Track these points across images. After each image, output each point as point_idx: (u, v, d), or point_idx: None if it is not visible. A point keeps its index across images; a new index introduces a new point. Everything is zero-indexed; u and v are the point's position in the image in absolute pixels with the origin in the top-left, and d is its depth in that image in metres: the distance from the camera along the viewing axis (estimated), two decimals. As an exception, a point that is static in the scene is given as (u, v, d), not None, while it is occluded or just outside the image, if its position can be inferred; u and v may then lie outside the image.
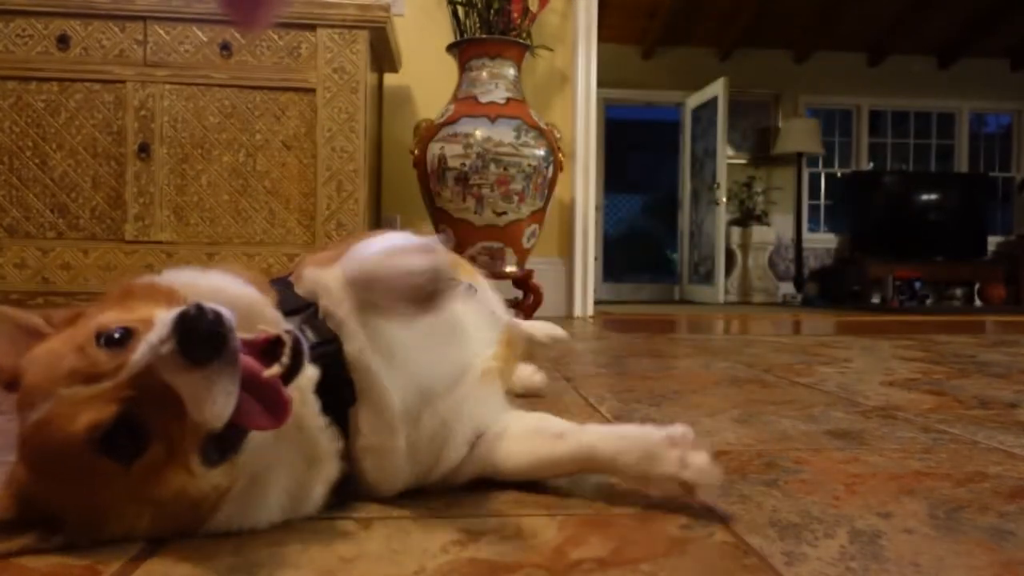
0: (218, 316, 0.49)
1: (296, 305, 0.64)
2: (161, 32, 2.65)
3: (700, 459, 0.62)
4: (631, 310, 5.10)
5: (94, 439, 0.50)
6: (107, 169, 2.65)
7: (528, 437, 0.70)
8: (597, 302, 4.14)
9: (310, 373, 0.58)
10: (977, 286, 7.03)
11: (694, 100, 7.32)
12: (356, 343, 0.62)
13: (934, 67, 7.78)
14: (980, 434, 0.99)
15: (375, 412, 0.63)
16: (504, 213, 2.94)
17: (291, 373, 0.53)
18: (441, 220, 3.03)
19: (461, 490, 0.70)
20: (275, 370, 0.52)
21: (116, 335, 0.52)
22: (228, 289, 0.61)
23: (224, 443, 0.53)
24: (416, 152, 3.01)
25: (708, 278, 7.04)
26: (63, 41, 2.62)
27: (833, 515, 0.64)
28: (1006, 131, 8.14)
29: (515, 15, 3.05)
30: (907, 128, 8.04)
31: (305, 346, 0.54)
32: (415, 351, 0.66)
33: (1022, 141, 8.02)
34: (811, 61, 7.62)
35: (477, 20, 3.09)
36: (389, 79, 3.48)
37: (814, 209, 7.90)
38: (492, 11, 3.05)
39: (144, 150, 2.65)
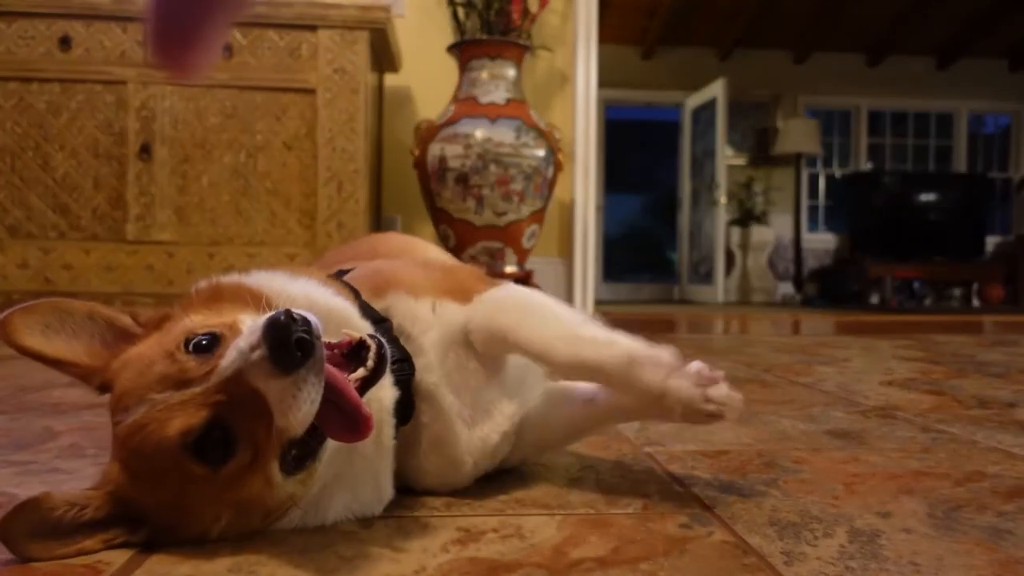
0: (307, 323, 0.50)
1: (372, 317, 0.64)
2: (161, 33, 2.65)
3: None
4: (631, 310, 5.10)
5: (186, 443, 0.51)
6: (108, 169, 2.66)
7: (563, 408, 0.73)
8: (597, 302, 4.15)
9: (391, 393, 0.60)
10: (976, 286, 7.03)
11: (694, 100, 7.33)
12: (433, 376, 0.64)
13: (933, 68, 7.78)
14: (979, 434, 1.00)
15: (441, 449, 0.66)
16: (504, 213, 2.95)
17: (373, 378, 0.54)
18: (441, 220, 3.03)
19: (461, 490, 0.70)
20: (360, 373, 0.54)
21: (204, 341, 0.53)
22: (317, 296, 0.61)
23: (304, 451, 0.54)
24: (416, 152, 3.02)
25: (708, 278, 7.05)
26: (65, 42, 2.62)
27: (832, 514, 0.65)
28: (1004, 132, 8.14)
29: (515, 16, 3.06)
30: (906, 128, 8.05)
31: (388, 353, 0.55)
32: (480, 392, 0.68)
33: (1021, 141, 8.02)
34: (810, 62, 7.62)
35: (477, 21, 3.09)
36: (389, 79, 3.49)
37: (813, 209, 7.90)
38: (492, 12, 3.05)
39: (145, 150, 2.65)
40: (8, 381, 1.36)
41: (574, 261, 3.67)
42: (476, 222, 2.95)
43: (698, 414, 0.63)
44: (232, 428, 0.51)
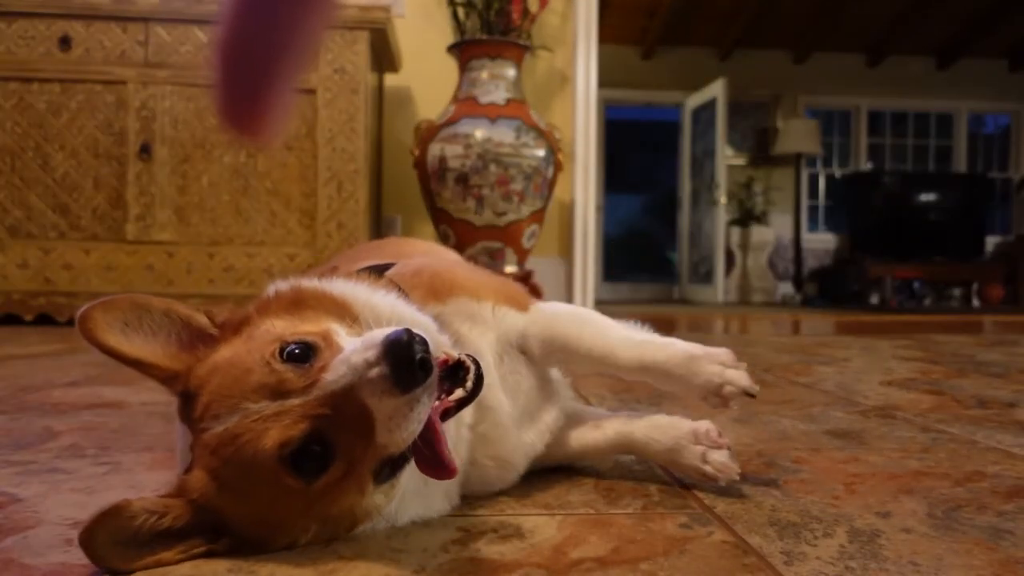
0: (425, 344, 0.50)
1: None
2: (162, 33, 2.66)
3: (720, 456, 0.70)
4: (631, 310, 5.10)
5: (283, 456, 0.50)
6: (108, 169, 2.66)
7: (575, 427, 0.76)
8: (597, 302, 4.14)
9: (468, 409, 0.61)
10: (976, 286, 7.03)
11: (694, 100, 7.33)
12: (489, 378, 0.64)
13: (933, 68, 7.78)
14: (979, 434, 1.00)
15: (493, 451, 0.67)
16: (504, 213, 2.95)
17: (469, 399, 0.55)
18: (441, 220, 3.03)
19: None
20: (458, 394, 0.54)
21: (297, 350, 0.53)
22: (403, 311, 0.61)
23: (395, 466, 0.55)
24: (416, 152, 3.02)
25: (707, 278, 7.04)
26: (65, 42, 2.62)
27: (832, 514, 0.65)
28: (1004, 132, 8.14)
29: (515, 16, 3.06)
30: (906, 128, 8.04)
31: (483, 375, 0.56)
32: (529, 397, 0.71)
33: (1020, 142, 8.02)
34: (810, 62, 7.62)
35: (477, 21, 3.09)
36: (389, 79, 3.49)
37: (813, 209, 7.90)
38: (492, 12, 3.05)
39: (145, 150, 2.65)
40: (8, 381, 1.36)
41: (574, 261, 3.67)
42: (476, 222, 2.95)
43: (742, 399, 0.70)
44: (331, 442, 0.51)
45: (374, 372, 0.49)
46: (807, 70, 7.66)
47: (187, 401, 0.55)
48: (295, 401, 0.51)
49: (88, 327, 0.56)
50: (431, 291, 0.68)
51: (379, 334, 0.50)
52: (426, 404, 0.50)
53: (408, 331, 0.50)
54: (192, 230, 2.68)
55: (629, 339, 0.71)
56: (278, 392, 0.51)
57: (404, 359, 0.48)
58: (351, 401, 0.50)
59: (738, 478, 0.69)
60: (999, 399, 1.29)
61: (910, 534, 0.60)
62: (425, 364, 0.49)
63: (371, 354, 0.49)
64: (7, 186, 2.62)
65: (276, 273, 2.69)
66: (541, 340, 0.70)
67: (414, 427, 0.50)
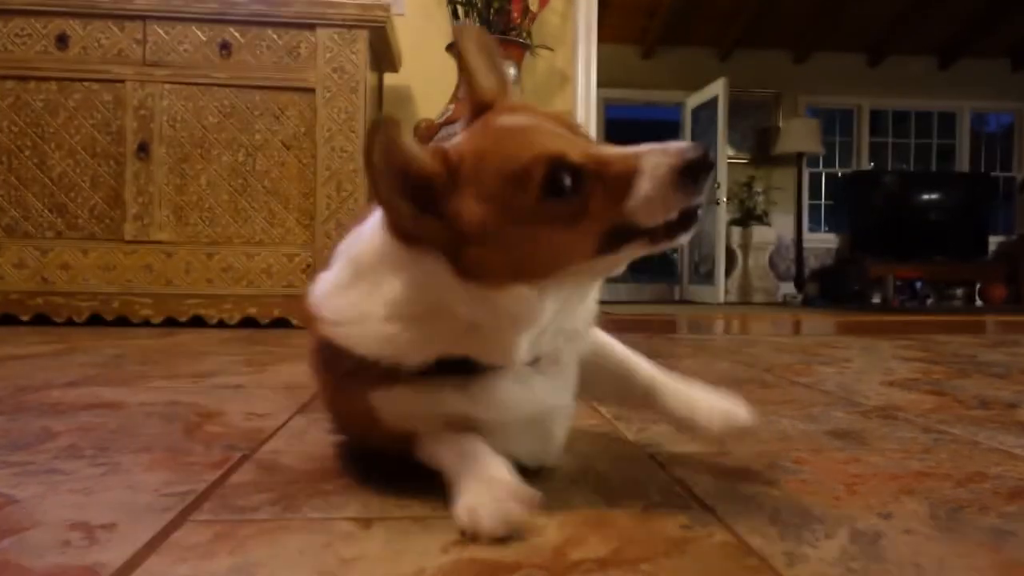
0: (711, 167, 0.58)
1: None
2: (160, 31, 2.65)
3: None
4: (631, 310, 5.10)
5: (555, 163, 0.58)
6: (106, 169, 2.65)
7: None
8: (597, 302, 4.14)
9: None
10: (978, 286, 7.03)
11: (694, 100, 7.32)
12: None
13: (934, 67, 7.78)
14: (980, 434, 0.99)
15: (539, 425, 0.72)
16: (504, 213, 2.94)
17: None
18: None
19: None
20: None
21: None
22: None
23: (621, 239, 0.61)
24: (416, 152, 3.01)
25: (708, 278, 7.04)
26: (62, 40, 2.62)
27: (834, 515, 0.64)
28: (1007, 131, 8.13)
29: (515, 15, 3.05)
30: (908, 128, 8.04)
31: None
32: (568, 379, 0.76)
33: (1023, 141, 8.01)
34: (811, 61, 7.61)
35: (477, 20, 3.09)
36: (389, 79, 3.48)
37: (814, 209, 7.90)
38: (492, 11, 3.05)
39: (143, 150, 2.65)
40: (6, 381, 1.35)
41: (574, 260, 3.66)
42: (476, 221, 2.95)
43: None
44: (588, 186, 0.58)
45: (672, 159, 0.57)
46: (808, 70, 7.65)
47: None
48: (587, 143, 0.61)
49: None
50: None
51: (685, 144, 0.58)
52: (683, 204, 0.59)
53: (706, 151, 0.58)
54: (190, 230, 2.67)
55: (645, 362, 0.81)
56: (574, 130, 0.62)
57: (701, 164, 0.57)
58: (628, 166, 0.58)
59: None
60: (1001, 400, 1.29)
61: (912, 535, 0.60)
62: (705, 175, 0.58)
63: (673, 152, 0.57)
64: (4, 185, 2.62)
65: (275, 273, 2.69)
66: (595, 340, 0.79)
67: (662, 213, 0.59)
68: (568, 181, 0.58)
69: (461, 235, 0.59)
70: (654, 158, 0.58)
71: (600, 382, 0.79)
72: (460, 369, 0.65)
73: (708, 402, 0.76)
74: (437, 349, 0.64)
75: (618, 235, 0.60)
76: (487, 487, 0.60)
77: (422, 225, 0.60)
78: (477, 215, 0.59)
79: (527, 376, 0.67)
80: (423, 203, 0.60)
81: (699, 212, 0.61)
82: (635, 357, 0.81)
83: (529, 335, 0.63)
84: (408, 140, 0.58)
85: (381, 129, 0.57)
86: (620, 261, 0.63)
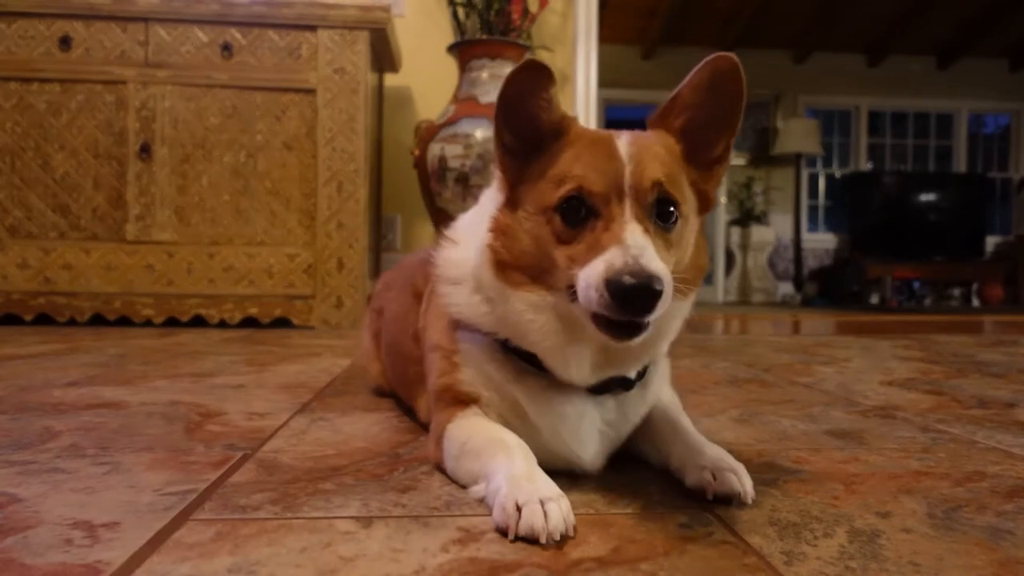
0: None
1: None
2: (162, 33, 2.66)
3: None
4: (631, 310, 5.09)
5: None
6: (108, 169, 2.66)
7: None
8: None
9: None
10: (975, 286, 7.03)
11: (694, 100, 7.31)
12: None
13: (933, 68, 7.78)
14: (979, 433, 1.00)
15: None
16: (504, 213, 2.94)
17: None
18: (441, 220, 3.03)
19: (461, 490, 0.70)
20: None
21: None
22: None
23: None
24: (416, 152, 3.01)
25: (707, 278, 7.04)
26: (65, 42, 2.62)
27: (832, 514, 0.65)
28: (1004, 132, 8.13)
29: (515, 16, 3.06)
30: (906, 128, 8.04)
31: None
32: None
33: (1021, 141, 8.02)
34: (811, 61, 7.62)
35: (477, 21, 3.09)
36: (389, 79, 3.49)
37: (813, 209, 7.90)
38: (492, 12, 3.05)
39: (145, 150, 2.65)
40: (8, 381, 1.36)
41: (574, 261, 3.66)
42: (476, 222, 2.95)
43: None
44: (591, 224, 0.66)
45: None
46: (807, 70, 7.66)
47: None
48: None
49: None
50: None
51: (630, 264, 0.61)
52: (609, 312, 0.62)
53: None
54: (192, 230, 2.68)
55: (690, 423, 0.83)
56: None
57: (627, 293, 0.60)
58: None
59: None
60: (999, 399, 1.29)
61: (910, 534, 0.60)
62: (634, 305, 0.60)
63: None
64: (7, 186, 2.62)
65: (276, 273, 2.69)
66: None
67: (598, 309, 0.62)
68: (578, 205, 0.66)
69: (523, 194, 0.70)
70: (609, 256, 0.62)
71: (653, 446, 0.80)
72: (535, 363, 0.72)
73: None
74: (499, 328, 0.73)
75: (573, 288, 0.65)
76: (534, 488, 0.60)
77: (511, 164, 0.71)
78: (535, 191, 0.69)
79: (581, 400, 0.73)
80: (530, 147, 0.71)
81: (639, 329, 0.63)
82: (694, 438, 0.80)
83: (577, 356, 0.69)
84: (549, 89, 0.67)
85: (529, 71, 0.66)
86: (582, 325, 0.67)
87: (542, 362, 0.71)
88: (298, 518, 0.62)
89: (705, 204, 0.75)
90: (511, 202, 0.72)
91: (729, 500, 0.67)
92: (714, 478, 0.67)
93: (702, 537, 0.59)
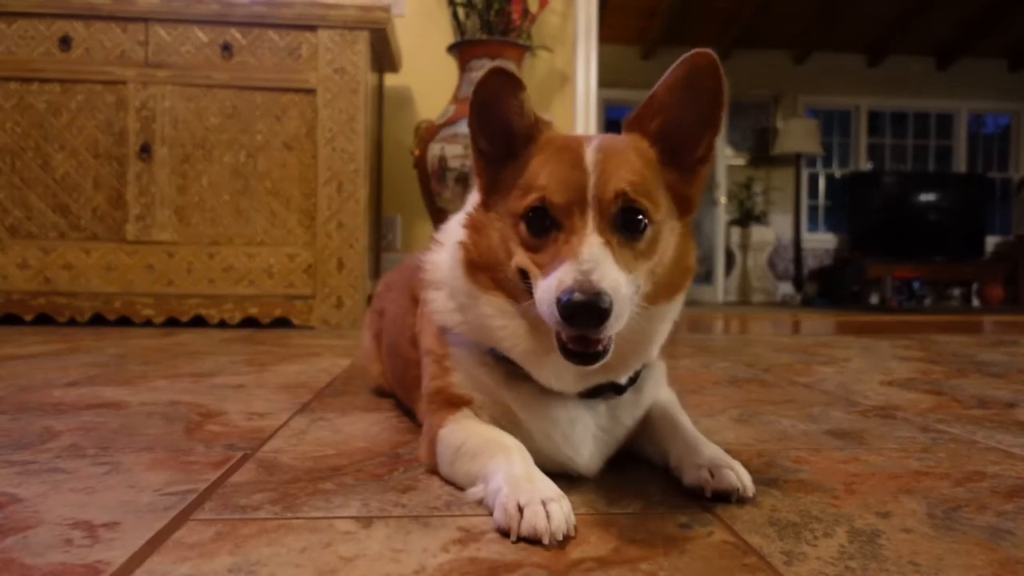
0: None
1: None
2: (162, 33, 2.66)
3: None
4: (631, 310, 5.09)
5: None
6: (108, 169, 2.66)
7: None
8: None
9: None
10: (975, 286, 7.03)
11: (694, 100, 7.31)
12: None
13: (933, 68, 7.78)
14: (979, 433, 1.00)
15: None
16: (504, 213, 2.94)
17: None
18: (441, 220, 3.02)
19: (461, 490, 0.70)
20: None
21: None
22: None
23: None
24: (416, 152, 3.01)
25: (707, 278, 7.05)
26: (65, 42, 2.62)
27: (832, 514, 0.65)
28: (1004, 132, 8.14)
29: (515, 16, 3.06)
30: (906, 128, 8.04)
31: None
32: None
33: (1020, 142, 8.02)
34: (810, 61, 7.62)
35: (477, 21, 3.09)
36: (389, 79, 3.49)
37: (813, 209, 7.90)
38: (492, 12, 3.05)
39: (145, 150, 2.65)
40: (8, 381, 1.36)
41: (574, 261, 3.66)
42: (476, 222, 2.95)
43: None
44: (554, 233, 0.67)
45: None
46: (807, 70, 7.66)
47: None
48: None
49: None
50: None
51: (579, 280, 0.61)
52: (560, 329, 0.63)
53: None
54: (192, 230, 2.68)
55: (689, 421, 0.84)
56: None
57: (572, 310, 0.60)
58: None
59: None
60: (999, 399, 1.29)
61: (910, 534, 0.60)
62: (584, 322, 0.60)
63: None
64: (7, 186, 2.62)
65: (276, 273, 2.69)
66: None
67: (553, 325, 0.63)
68: (541, 215, 0.67)
69: (496, 197, 0.71)
70: (561, 272, 0.62)
71: (653, 445, 0.80)
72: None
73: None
74: (474, 334, 0.74)
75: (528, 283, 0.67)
76: (535, 488, 0.61)
77: (485, 161, 0.72)
78: (530, 176, 0.69)
79: (573, 405, 0.73)
80: (503, 152, 0.72)
81: (596, 355, 0.63)
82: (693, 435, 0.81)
83: (554, 364, 0.68)
84: (518, 95, 0.69)
85: (497, 77, 0.67)
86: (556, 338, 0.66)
87: (522, 368, 0.71)
88: (298, 518, 0.62)
89: (686, 207, 0.73)
90: (485, 204, 0.73)
91: (728, 497, 0.67)
92: (712, 476, 0.68)
93: (702, 537, 0.59)
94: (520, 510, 0.58)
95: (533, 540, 0.56)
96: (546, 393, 0.72)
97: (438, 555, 0.55)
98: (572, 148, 0.68)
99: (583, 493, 0.70)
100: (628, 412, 0.77)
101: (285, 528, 0.60)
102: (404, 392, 1.04)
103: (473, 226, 0.73)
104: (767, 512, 0.65)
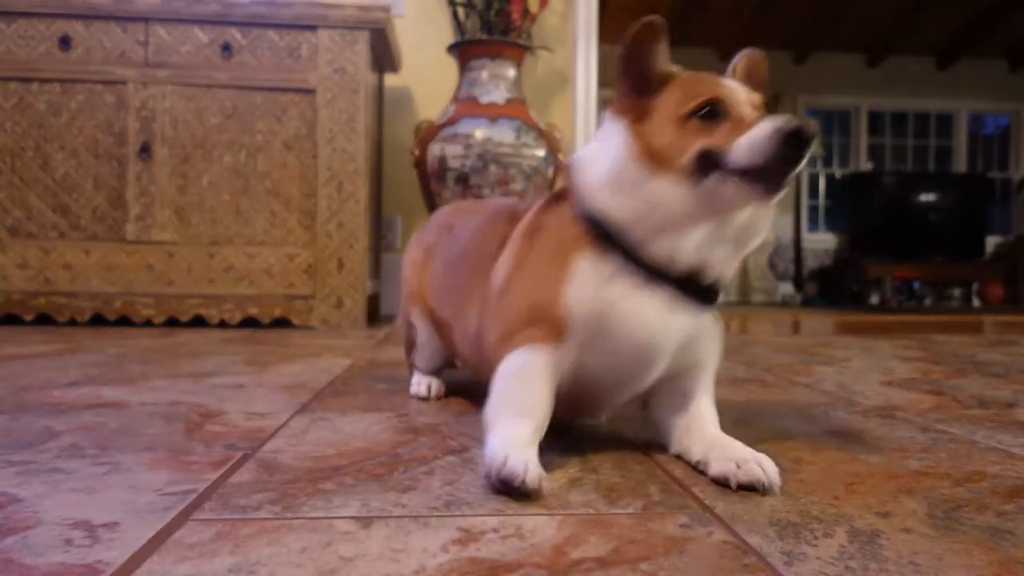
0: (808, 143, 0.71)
1: None
2: (162, 33, 2.66)
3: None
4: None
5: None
6: (108, 169, 2.66)
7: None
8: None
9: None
10: (976, 286, 7.04)
11: (694, 100, 7.31)
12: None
13: (933, 68, 7.78)
14: (979, 433, 1.00)
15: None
16: (504, 213, 2.94)
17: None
18: (441, 220, 3.03)
19: (461, 490, 0.70)
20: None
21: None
22: None
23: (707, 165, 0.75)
24: (416, 152, 3.01)
25: (708, 278, 7.04)
26: (65, 42, 2.62)
27: (832, 514, 0.65)
28: (1004, 132, 8.14)
29: (515, 16, 3.06)
30: (906, 129, 8.05)
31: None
32: None
33: (1020, 142, 8.02)
34: (810, 61, 7.62)
35: (477, 21, 3.09)
36: (389, 79, 3.49)
37: (813, 209, 7.90)
38: (492, 12, 3.05)
39: (145, 150, 2.65)
40: (8, 381, 1.36)
41: (574, 261, 3.66)
42: (476, 222, 2.95)
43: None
44: (722, 120, 0.75)
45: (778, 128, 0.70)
46: (807, 70, 7.66)
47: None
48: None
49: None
50: None
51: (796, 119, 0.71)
52: (774, 159, 0.71)
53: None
54: (192, 230, 2.68)
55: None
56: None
57: (802, 139, 0.70)
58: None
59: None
60: (999, 399, 1.29)
61: (910, 534, 0.60)
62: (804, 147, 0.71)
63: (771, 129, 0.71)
64: (7, 186, 2.63)
65: (276, 273, 2.69)
66: None
67: (759, 158, 0.71)
68: (712, 111, 0.75)
69: (648, 116, 0.78)
70: (770, 120, 0.72)
71: (665, 401, 0.86)
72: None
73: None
74: (633, 217, 0.77)
75: (709, 160, 0.73)
76: (524, 439, 0.72)
77: (631, 100, 0.79)
78: (663, 108, 0.77)
79: (668, 306, 0.77)
80: (643, 91, 0.79)
81: (785, 179, 0.73)
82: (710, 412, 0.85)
83: (680, 237, 0.75)
84: (660, 45, 0.78)
85: (645, 29, 0.76)
86: (717, 197, 0.74)
87: (651, 248, 0.76)
88: (298, 518, 0.62)
89: None
90: (638, 121, 0.79)
91: (753, 489, 0.70)
92: (738, 467, 0.71)
93: (702, 537, 0.59)
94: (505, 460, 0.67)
95: (508, 484, 0.67)
96: (647, 288, 0.77)
97: (438, 555, 0.55)
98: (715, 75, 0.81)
99: (583, 493, 0.70)
100: (698, 340, 0.82)
101: (285, 528, 0.60)
102: (458, 308, 1.04)
103: (637, 133, 0.78)
104: (767, 512, 0.65)
